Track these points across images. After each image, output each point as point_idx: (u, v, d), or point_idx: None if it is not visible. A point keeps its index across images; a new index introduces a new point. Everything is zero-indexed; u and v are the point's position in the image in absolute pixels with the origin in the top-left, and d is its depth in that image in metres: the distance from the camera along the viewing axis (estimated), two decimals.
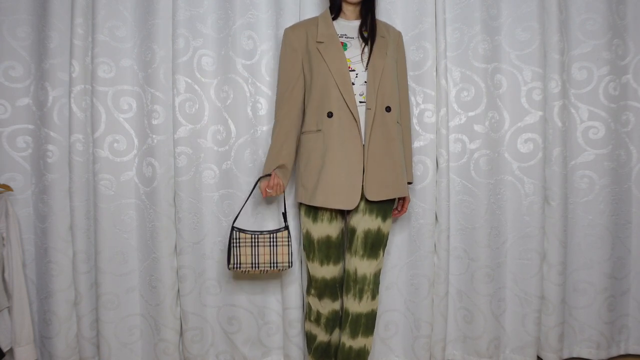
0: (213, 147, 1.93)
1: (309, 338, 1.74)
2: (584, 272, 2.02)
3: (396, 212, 1.79)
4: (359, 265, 1.62)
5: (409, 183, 1.78)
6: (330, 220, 1.63)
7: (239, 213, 1.80)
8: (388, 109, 1.61)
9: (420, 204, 1.94)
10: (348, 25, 1.68)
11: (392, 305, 2.00)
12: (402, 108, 1.74)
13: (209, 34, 1.90)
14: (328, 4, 1.71)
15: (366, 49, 1.63)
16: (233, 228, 1.73)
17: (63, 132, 1.88)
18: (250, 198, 1.91)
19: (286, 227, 1.75)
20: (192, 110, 1.90)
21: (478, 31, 1.93)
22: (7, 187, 1.81)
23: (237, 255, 1.72)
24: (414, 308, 1.98)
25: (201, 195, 1.92)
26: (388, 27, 1.74)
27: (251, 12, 1.92)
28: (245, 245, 1.73)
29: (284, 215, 1.78)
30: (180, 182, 1.89)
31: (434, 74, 1.92)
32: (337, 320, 1.73)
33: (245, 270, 1.73)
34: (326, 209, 1.62)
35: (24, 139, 1.92)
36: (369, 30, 1.65)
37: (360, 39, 1.65)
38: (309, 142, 1.63)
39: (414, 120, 1.94)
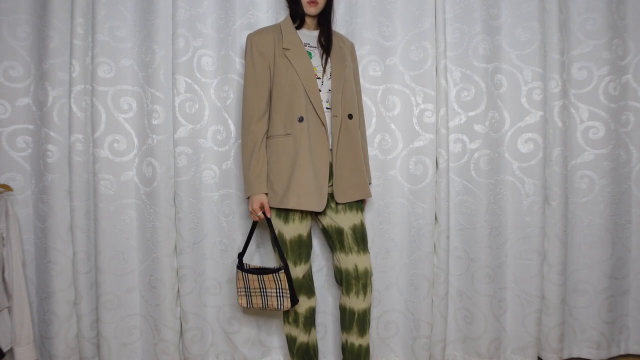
0: (213, 147, 1.93)
1: (290, 341, 1.76)
2: (584, 272, 2.02)
3: None
4: (358, 260, 1.66)
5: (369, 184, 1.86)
6: (301, 219, 1.66)
7: (245, 249, 1.75)
8: (350, 117, 1.69)
9: (420, 204, 1.94)
10: (309, 35, 1.73)
11: (392, 305, 2.00)
12: (359, 115, 1.82)
13: (209, 34, 1.90)
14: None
15: (328, 59, 1.68)
16: (249, 270, 1.69)
17: (63, 132, 1.88)
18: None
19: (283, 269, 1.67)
20: (192, 110, 1.90)
21: (478, 31, 1.93)
22: (7, 187, 1.81)
23: (249, 300, 1.71)
24: (413, 308, 1.97)
25: (201, 195, 1.92)
26: (343, 38, 1.81)
27: (251, 12, 1.92)
28: (255, 295, 1.70)
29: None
30: (180, 182, 1.89)
31: (434, 73, 1.92)
32: (314, 317, 1.76)
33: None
34: (297, 209, 1.63)
35: (23, 139, 1.92)
36: (326, 40, 1.70)
37: (320, 48, 1.70)
38: (278, 146, 1.64)
39: (414, 120, 1.94)
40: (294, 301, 1.63)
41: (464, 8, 1.95)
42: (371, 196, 1.77)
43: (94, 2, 1.85)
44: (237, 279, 1.72)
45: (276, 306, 1.65)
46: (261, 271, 1.66)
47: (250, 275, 1.68)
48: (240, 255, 1.73)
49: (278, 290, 1.64)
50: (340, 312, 1.74)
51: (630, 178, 2.02)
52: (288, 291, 1.63)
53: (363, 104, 1.95)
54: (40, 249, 1.92)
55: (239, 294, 1.73)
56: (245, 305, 1.72)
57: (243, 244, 1.81)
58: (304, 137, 1.60)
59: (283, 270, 1.62)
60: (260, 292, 1.67)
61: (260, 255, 1.99)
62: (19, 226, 1.89)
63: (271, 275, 1.63)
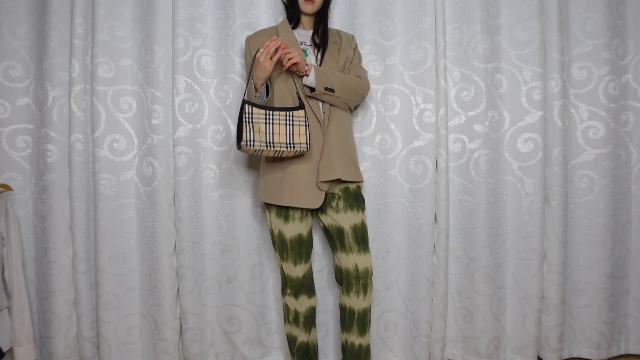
0: (213, 147, 1.93)
1: (290, 341, 1.76)
2: (584, 272, 2.02)
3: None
4: (359, 260, 1.66)
5: None
6: (302, 219, 1.66)
7: (247, 87, 1.62)
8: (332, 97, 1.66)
9: (420, 204, 1.94)
10: (305, 34, 1.76)
11: (391, 305, 2.00)
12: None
13: (209, 34, 1.90)
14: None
15: (319, 56, 1.70)
16: (245, 102, 1.51)
17: (63, 132, 1.88)
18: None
19: (302, 107, 1.58)
20: (192, 110, 1.90)
21: (478, 31, 1.93)
22: (7, 187, 1.81)
23: (250, 131, 1.50)
24: (413, 308, 1.97)
25: (201, 195, 1.92)
26: (340, 33, 1.82)
27: (251, 12, 1.92)
28: (259, 122, 1.53)
29: (299, 95, 1.62)
30: (180, 182, 1.89)
31: (434, 74, 1.92)
32: (314, 317, 1.77)
33: (259, 150, 1.52)
34: (297, 208, 1.64)
35: (24, 139, 1.92)
36: (321, 39, 1.73)
37: (314, 46, 1.73)
38: None
39: (414, 120, 1.94)
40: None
41: (464, 8, 1.94)
42: (362, 180, 1.74)
43: (94, 2, 1.85)
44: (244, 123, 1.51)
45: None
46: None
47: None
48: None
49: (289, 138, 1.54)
50: (340, 311, 1.74)
51: (631, 178, 2.02)
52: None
53: (363, 104, 1.95)
54: (40, 249, 1.92)
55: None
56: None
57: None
58: None
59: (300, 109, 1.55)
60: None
61: (260, 256, 1.99)
62: (19, 226, 1.89)
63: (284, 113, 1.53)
